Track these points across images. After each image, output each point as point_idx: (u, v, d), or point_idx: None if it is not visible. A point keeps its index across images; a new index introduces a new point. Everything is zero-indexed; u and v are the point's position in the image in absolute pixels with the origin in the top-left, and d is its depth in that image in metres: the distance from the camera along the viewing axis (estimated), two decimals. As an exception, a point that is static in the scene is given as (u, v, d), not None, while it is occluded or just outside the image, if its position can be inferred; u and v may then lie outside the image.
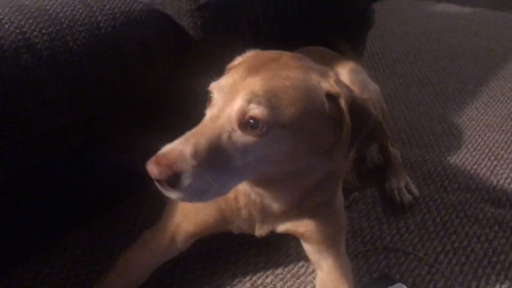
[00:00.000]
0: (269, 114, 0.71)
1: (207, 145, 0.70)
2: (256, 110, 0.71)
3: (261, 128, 0.72)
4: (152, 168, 0.68)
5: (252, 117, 0.71)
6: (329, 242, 1.01)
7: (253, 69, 0.76)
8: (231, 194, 0.93)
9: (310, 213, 0.97)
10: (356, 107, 0.79)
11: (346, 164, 1.04)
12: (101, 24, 0.94)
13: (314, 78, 0.78)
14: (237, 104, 0.72)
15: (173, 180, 0.68)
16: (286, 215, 0.96)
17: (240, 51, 0.91)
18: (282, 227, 1.00)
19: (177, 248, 1.03)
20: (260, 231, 1.00)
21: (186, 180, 0.68)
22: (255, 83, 0.73)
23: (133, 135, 1.16)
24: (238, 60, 0.88)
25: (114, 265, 0.98)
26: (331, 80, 0.79)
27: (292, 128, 0.74)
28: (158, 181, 0.69)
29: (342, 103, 0.76)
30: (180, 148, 0.69)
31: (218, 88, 0.76)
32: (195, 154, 0.69)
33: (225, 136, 0.72)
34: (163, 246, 1.01)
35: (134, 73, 1.00)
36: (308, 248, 1.05)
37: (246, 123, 0.72)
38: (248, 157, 0.74)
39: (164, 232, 1.01)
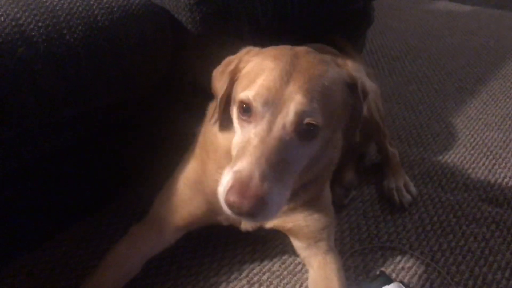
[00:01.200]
0: (321, 118, 0.74)
1: (274, 161, 0.71)
2: (311, 118, 0.73)
3: (315, 132, 0.75)
4: (242, 202, 0.67)
5: (308, 124, 0.74)
6: (318, 236, 1.02)
7: (285, 74, 0.76)
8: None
9: (298, 209, 0.98)
10: (365, 92, 0.85)
11: (338, 155, 1.06)
12: (99, 18, 0.93)
13: (335, 69, 0.82)
14: (291, 114, 0.73)
15: (261, 208, 0.68)
16: None
17: (238, 47, 0.90)
18: (270, 223, 1.01)
19: (166, 241, 1.03)
20: (246, 225, 1.02)
21: (273, 204, 0.69)
22: (300, 90, 0.74)
23: (131, 130, 1.15)
24: (235, 61, 0.85)
25: (103, 260, 0.98)
26: (348, 69, 0.84)
27: (331, 125, 0.79)
28: (245, 213, 0.68)
29: (359, 90, 0.82)
30: (256, 174, 0.69)
31: (261, 101, 0.74)
32: (269, 174, 0.69)
33: (285, 148, 0.73)
34: (151, 240, 1.01)
35: (132, 68, 0.99)
36: (297, 244, 1.06)
37: (301, 130, 0.74)
38: (302, 162, 0.77)
39: (152, 226, 1.02)
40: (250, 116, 0.76)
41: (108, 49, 0.94)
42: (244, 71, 0.83)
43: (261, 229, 1.04)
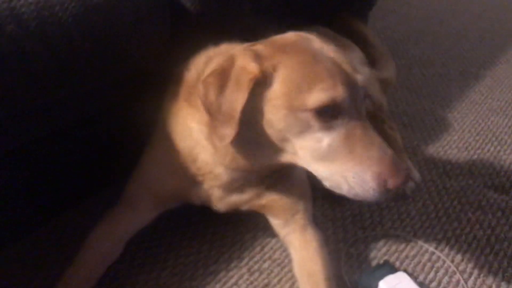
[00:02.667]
0: None
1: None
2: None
3: None
4: (402, 181, 0.73)
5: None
6: (294, 208, 1.01)
7: (336, 60, 0.78)
8: (191, 166, 0.94)
9: (271, 184, 0.98)
10: None
11: None
12: (92, -6, 0.88)
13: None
14: (362, 94, 0.80)
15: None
16: (250, 188, 0.97)
17: (238, 25, 0.86)
18: (245, 205, 1.00)
19: (140, 220, 1.03)
20: (219, 205, 1.00)
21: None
22: (355, 70, 0.79)
23: (127, 111, 1.11)
24: (247, 69, 0.77)
25: (83, 245, 0.97)
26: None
27: None
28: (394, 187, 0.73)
29: None
30: (389, 152, 0.76)
31: (348, 95, 0.76)
32: None
33: None
34: (126, 220, 1.01)
35: (128, 46, 0.94)
36: (275, 222, 1.04)
37: None
38: None
39: (126, 206, 1.02)
40: (332, 116, 0.75)
41: (102, 27, 0.89)
42: (280, 76, 0.77)
43: (236, 210, 1.02)
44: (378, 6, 2.12)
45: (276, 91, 0.77)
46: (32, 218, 1.11)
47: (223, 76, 0.78)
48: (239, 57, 0.80)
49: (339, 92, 0.74)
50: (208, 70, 0.87)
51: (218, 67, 0.81)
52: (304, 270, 0.97)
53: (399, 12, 2.88)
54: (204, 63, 0.92)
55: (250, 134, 0.82)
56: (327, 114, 0.75)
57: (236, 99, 0.76)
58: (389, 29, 2.60)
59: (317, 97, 0.74)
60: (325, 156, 0.77)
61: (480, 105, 1.83)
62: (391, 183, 0.72)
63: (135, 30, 0.94)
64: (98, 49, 0.89)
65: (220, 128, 0.79)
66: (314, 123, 0.75)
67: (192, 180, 0.96)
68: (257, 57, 0.78)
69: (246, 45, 0.88)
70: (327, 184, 0.80)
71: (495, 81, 2.04)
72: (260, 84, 0.77)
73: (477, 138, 1.61)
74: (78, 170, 1.14)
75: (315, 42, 0.82)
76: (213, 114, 0.80)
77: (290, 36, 0.85)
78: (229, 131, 0.78)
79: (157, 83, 1.04)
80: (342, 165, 0.75)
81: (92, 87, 0.98)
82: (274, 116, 0.78)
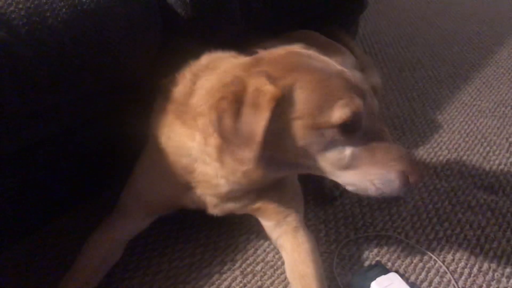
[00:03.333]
0: None
1: None
2: None
3: None
4: (421, 172, 0.81)
5: None
6: (286, 211, 1.02)
7: (346, 80, 0.81)
8: (187, 176, 0.95)
9: (265, 189, 0.99)
10: None
11: None
12: (83, 0, 0.89)
13: None
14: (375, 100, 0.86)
15: None
16: (244, 196, 0.99)
17: (229, 31, 0.87)
18: (240, 210, 1.02)
19: (137, 226, 1.05)
20: (214, 210, 1.01)
21: None
22: (363, 79, 0.86)
23: (120, 118, 1.11)
24: (272, 88, 0.77)
25: (80, 251, 0.98)
26: None
27: None
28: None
29: None
30: (404, 151, 0.83)
31: (364, 110, 0.80)
32: None
33: None
34: (122, 226, 1.03)
35: (120, 52, 0.95)
36: (267, 224, 1.04)
37: None
38: None
39: (122, 213, 1.03)
40: (355, 128, 0.79)
41: (94, 33, 0.90)
42: (299, 96, 0.78)
43: (230, 214, 1.03)
44: (368, 9, 2.14)
45: (298, 111, 0.78)
46: (27, 223, 1.11)
47: (237, 101, 0.77)
48: (250, 79, 0.79)
49: (358, 105, 0.78)
50: (201, 89, 0.89)
51: (228, 92, 0.79)
52: (296, 273, 0.98)
53: (389, 15, 2.90)
54: (191, 80, 0.92)
55: (268, 154, 0.82)
56: (350, 128, 0.78)
57: (256, 121, 0.76)
58: (380, 32, 2.62)
59: (340, 113, 0.77)
60: (349, 165, 0.81)
61: (470, 106, 1.85)
62: (413, 179, 0.79)
63: (127, 36, 0.95)
64: (89, 54, 0.89)
65: (239, 151, 0.78)
66: (339, 137, 0.79)
67: (185, 187, 0.97)
68: (270, 78, 0.78)
69: (237, 60, 0.90)
70: (352, 189, 0.85)
71: (484, 83, 2.06)
72: (280, 104, 0.77)
73: (467, 139, 1.63)
74: (73, 175, 1.14)
75: (314, 56, 0.85)
76: (229, 139, 0.79)
77: (285, 52, 0.87)
78: (249, 154, 0.77)
79: (146, 92, 1.04)
80: (367, 171, 0.80)
81: (84, 93, 0.98)
82: (297, 135, 0.79)
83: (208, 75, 0.90)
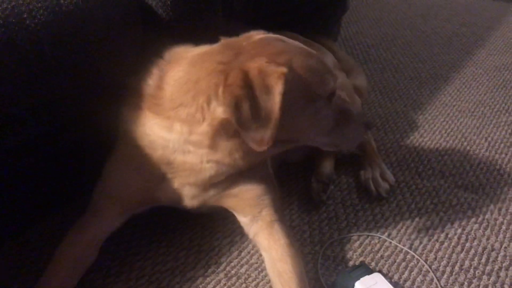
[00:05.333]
0: None
1: None
2: None
3: None
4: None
5: None
6: (261, 204, 1.01)
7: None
8: (158, 165, 0.94)
9: (241, 176, 0.99)
10: None
11: None
12: (62, 1, 0.87)
13: None
14: None
15: None
16: (223, 180, 0.98)
17: (211, 32, 0.87)
18: (214, 196, 1.00)
19: (110, 226, 1.02)
20: (192, 201, 1.00)
21: None
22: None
23: (101, 120, 1.10)
24: (276, 67, 0.81)
25: (52, 257, 0.95)
26: None
27: None
28: None
29: None
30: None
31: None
32: None
33: None
34: (95, 226, 1.00)
35: (99, 54, 0.93)
36: (243, 220, 1.03)
37: None
38: None
39: (94, 213, 1.01)
40: (332, 95, 0.94)
41: (73, 34, 0.88)
42: (296, 73, 0.85)
43: (204, 205, 1.01)
44: (350, 11, 2.16)
45: (301, 86, 0.86)
46: (10, 225, 1.09)
47: (247, 86, 0.80)
48: (247, 64, 0.83)
49: (337, 77, 0.93)
50: (172, 82, 0.90)
51: (233, 81, 0.80)
52: (275, 270, 0.96)
53: (371, 17, 2.93)
54: (158, 74, 0.93)
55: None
56: (332, 96, 0.93)
57: (272, 101, 0.80)
58: (362, 34, 2.64)
59: (332, 85, 0.91)
60: (330, 128, 0.95)
61: (450, 107, 1.88)
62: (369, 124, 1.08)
63: (107, 38, 0.94)
64: (68, 56, 0.88)
65: (257, 134, 0.81)
66: (325, 105, 0.92)
67: (159, 180, 0.96)
68: (269, 59, 0.83)
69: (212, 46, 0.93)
70: (328, 148, 1.04)
71: (463, 83, 2.10)
72: (287, 81, 0.80)
73: (448, 139, 1.65)
74: (54, 177, 1.12)
75: (288, 40, 0.93)
76: (248, 125, 0.81)
77: (260, 37, 0.92)
78: (269, 133, 0.80)
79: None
80: (341, 130, 0.98)
81: (62, 96, 0.96)
82: (301, 108, 0.88)
83: (175, 67, 0.92)
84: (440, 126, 1.73)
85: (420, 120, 1.77)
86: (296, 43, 0.93)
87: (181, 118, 0.88)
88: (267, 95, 0.79)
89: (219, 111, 0.83)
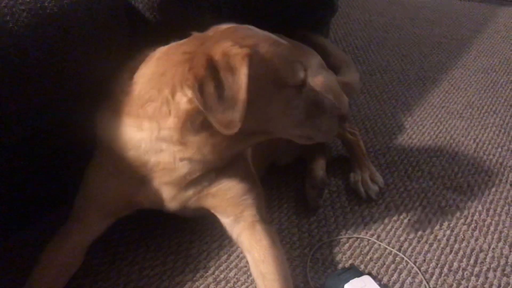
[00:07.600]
0: None
1: None
2: None
3: None
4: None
5: None
6: (243, 204, 1.00)
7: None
8: (134, 167, 0.92)
9: (221, 173, 0.98)
10: None
11: None
12: (46, 4, 0.87)
13: None
14: None
15: None
16: (203, 178, 0.97)
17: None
18: (195, 198, 0.98)
19: (94, 231, 1.00)
20: (172, 203, 0.98)
21: None
22: None
23: (85, 124, 1.09)
24: (239, 48, 0.80)
25: (36, 263, 0.94)
26: None
27: None
28: None
29: None
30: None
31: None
32: None
33: None
34: (77, 233, 0.99)
35: (84, 58, 0.93)
36: (225, 221, 1.02)
37: None
38: None
39: (76, 219, 1.00)
40: (303, 86, 0.92)
41: (58, 38, 0.88)
42: (263, 57, 0.84)
43: (186, 207, 0.99)
44: (339, 14, 2.17)
45: (268, 72, 0.84)
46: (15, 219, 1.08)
47: (211, 67, 0.78)
48: (211, 49, 0.81)
49: (306, 66, 0.90)
50: (141, 79, 0.89)
51: (196, 64, 0.79)
52: (258, 272, 0.95)
53: (360, 19, 2.95)
54: (128, 76, 0.92)
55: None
56: (302, 86, 0.90)
57: (237, 81, 0.78)
58: (351, 36, 2.65)
59: (299, 74, 0.88)
60: (301, 119, 0.93)
61: (438, 108, 1.89)
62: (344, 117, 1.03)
63: (92, 41, 0.93)
64: (52, 60, 0.87)
65: (224, 116, 0.79)
66: (295, 95, 0.89)
67: (139, 182, 0.94)
68: (234, 42, 0.81)
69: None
70: (301, 140, 0.98)
71: (452, 85, 2.11)
72: (252, 64, 0.79)
73: (436, 140, 1.66)
74: (33, 184, 1.10)
75: (255, 28, 0.92)
76: (213, 107, 0.79)
77: (227, 26, 0.93)
78: (237, 115, 0.78)
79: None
80: (314, 121, 0.95)
81: (47, 100, 0.95)
82: (268, 95, 0.86)
83: (144, 65, 0.91)
84: (429, 128, 1.74)
85: (409, 121, 1.77)
86: (265, 32, 0.91)
87: (149, 115, 0.86)
88: (232, 76, 0.78)
89: (184, 100, 0.82)
